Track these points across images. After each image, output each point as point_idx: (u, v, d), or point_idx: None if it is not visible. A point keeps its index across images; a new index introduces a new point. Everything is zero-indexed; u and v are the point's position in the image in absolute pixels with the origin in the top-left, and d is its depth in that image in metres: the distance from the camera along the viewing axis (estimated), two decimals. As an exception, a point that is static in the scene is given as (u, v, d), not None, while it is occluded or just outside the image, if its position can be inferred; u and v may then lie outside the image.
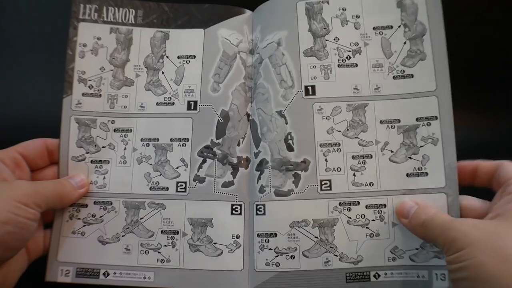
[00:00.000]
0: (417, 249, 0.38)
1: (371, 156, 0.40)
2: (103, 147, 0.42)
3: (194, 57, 0.43)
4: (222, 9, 0.45)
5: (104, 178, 0.41)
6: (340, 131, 0.40)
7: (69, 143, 0.41)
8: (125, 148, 0.42)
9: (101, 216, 0.40)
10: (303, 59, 0.42)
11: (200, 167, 0.41)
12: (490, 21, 0.55)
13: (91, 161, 0.41)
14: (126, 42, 0.43)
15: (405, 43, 0.41)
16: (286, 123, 0.41)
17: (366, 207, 0.39)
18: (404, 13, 0.41)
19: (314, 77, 0.41)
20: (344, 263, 0.38)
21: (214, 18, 0.44)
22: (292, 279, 0.38)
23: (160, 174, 0.41)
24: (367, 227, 0.39)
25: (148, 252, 0.40)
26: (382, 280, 0.38)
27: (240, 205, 0.41)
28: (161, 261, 0.39)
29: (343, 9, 0.42)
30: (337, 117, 0.41)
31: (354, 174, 0.39)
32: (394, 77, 0.40)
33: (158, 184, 0.41)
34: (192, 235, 0.40)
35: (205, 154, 0.41)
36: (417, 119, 0.39)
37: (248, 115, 0.43)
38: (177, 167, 0.41)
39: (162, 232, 0.40)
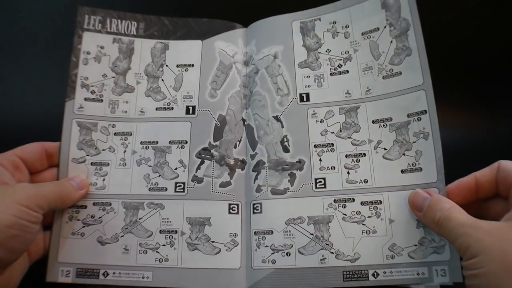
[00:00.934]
0: (415, 245, 0.38)
1: (365, 155, 0.41)
2: (103, 150, 0.43)
3: (193, 65, 0.46)
4: (218, 24, 0.47)
5: (103, 180, 0.42)
6: (333, 133, 0.42)
7: (70, 145, 0.42)
8: (125, 151, 0.43)
9: (100, 217, 0.41)
10: (298, 70, 0.45)
11: (198, 168, 0.42)
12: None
13: (91, 163, 0.42)
14: (128, 52, 0.46)
15: (391, 42, 0.42)
16: (282, 127, 0.43)
17: (362, 203, 0.40)
18: (388, 12, 0.43)
19: (308, 86, 0.44)
20: (340, 260, 0.38)
21: (211, 31, 0.47)
22: (288, 276, 0.39)
23: (159, 175, 0.42)
24: (363, 224, 0.39)
25: (146, 251, 0.40)
26: (381, 279, 0.37)
27: (237, 205, 0.42)
28: (159, 261, 0.40)
29: (333, 23, 0.45)
30: (330, 120, 0.43)
31: (348, 172, 0.41)
32: (383, 77, 0.42)
33: (157, 185, 0.42)
34: (190, 234, 0.40)
35: (203, 155, 0.43)
36: (408, 115, 0.40)
37: (243, 120, 0.45)
38: (176, 168, 0.42)
39: (160, 231, 0.41)
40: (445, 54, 0.54)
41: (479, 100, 0.59)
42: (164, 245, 0.40)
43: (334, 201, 0.40)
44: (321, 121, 0.43)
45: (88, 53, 0.45)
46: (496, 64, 0.58)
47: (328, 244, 0.39)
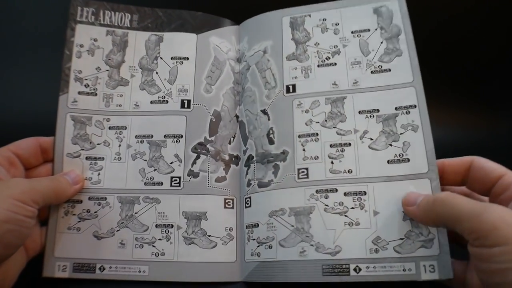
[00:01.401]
0: (401, 239, 0.36)
1: (350, 144, 0.40)
2: (98, 144, 0.43)
3: (187, 58, 0.46)
4: (213, 19, 0.47)
5: (98, 174, 0.42)
6: (318, 122, 0.41)
7: (64, 140, 0.42)
8: (119, 145, 0.43)
9: (95, 212, 0.41)
10: (285, 63, 0.44)
11: (194, 162, 0.43)
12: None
13: (86, 158, 0.42)
14: (122, 44, 0.45)
15: (381, 42, 0.42)
16: (269, 120, 0.43)
17: (345, 194, 0.38)
18: (380, 18, 0.43)
19: (295, 77, 0.43)
20: (320, 253, 0.37)
21: (206, 26, 0.47)
22: (270, 270, 0.38)
23: (155, 170, 0.42)
24: (345, 215, 0.38)
25: (142, 246, 0.40)
26: (364, 275, 0.35)
27: (232, 200, 0.42)
28: (155, 255, 0.40)
29: (323, 20, 0.45)
30: (316, 110, 0.42)
31: (332, 162, 0.40)
32: (372, 72, 0.42)
33: (153, 179, 0.42)
34: (186, 228, 0.41)
35: (198, 150, 0.43)
36: (396, 108, 0.40)
37: (237, 116, 0.45)
38: (171, 163, 0.43)
39: (156, 226, 0.41)
40: (443, 54, 0.54)
41: (478, 100, 0.59)
42: (160, 239, 0.41)
43: (316, 191, 0.39)
44: (306, 111, 0.42)
45: (81, 46, 0.44)
46: (495, 64, 0.59)
47: (308, 236, 0.38)
